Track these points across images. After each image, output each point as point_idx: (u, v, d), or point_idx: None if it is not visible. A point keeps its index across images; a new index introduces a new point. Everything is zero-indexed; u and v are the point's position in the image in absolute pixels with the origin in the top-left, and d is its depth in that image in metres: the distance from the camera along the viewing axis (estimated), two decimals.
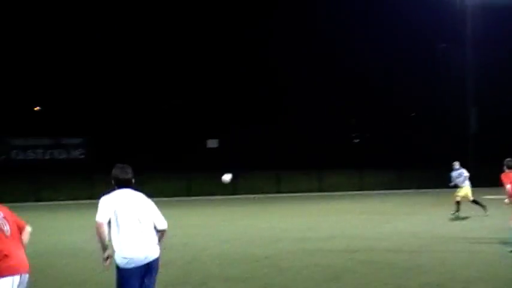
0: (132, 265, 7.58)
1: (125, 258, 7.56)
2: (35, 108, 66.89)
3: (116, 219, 7.68)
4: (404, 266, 13.52)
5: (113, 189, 7.93)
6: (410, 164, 46.97)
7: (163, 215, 8.01)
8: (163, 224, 8.00)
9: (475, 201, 24.29)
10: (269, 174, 44.95)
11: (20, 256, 7.00)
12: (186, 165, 44.81)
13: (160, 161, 52.47)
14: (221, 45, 66.01)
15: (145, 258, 7.65)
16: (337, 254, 15.53)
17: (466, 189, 24.31)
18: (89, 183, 38.38)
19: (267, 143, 59.55)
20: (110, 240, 7.64)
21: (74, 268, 14.29)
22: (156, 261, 7.82)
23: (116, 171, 7.95)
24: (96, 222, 7.62)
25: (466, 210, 23.89)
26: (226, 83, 65.68)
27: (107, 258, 7.64)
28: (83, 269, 14.03)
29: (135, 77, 64.62)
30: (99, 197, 7.80)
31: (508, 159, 15.43)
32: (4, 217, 7.04)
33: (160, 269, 13.41)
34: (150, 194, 8.43)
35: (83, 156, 57.84)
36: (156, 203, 8.11)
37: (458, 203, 24.01)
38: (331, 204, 32.60)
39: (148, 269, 7.73)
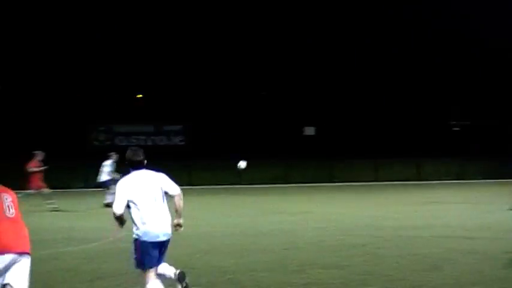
0: (151, 239, 8.60)
1: (145, 232, 8.56)
2: (137, 96, 68.48)
3: (134, 200, 8.61)
4: (507, 257, 13.12)
5: (129, 172, 8.83)
6: None
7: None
8: (175, 190, 8.92)
9: None
10: (367, 162, 44.51)
11: (16, 237, 7.43)
12: (283, 152, 44.92)
13: (257, 148, 52.78)
14: (320, 33, 65.62)
15: (162, 233, 8.69)
16: (436, 243, 15.22)
17: None
18: (187, 169, 38.99)
19: (365, 131, 58.97)
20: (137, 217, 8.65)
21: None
22: (169, 236, 8.83)
23: (128, 154, 8.80)
24: (114, 213, 8.72)
25: None
26: (324, 70, 65.31)
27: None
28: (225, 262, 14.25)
29: (234, 64, 65.11)
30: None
31: None
32: (12, 201, 7.70)
33: (258, 255, 13.60)
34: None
35: (182, 143, 58.85)
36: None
37: None
38: (429, 193, 32.00)
39: (163, 243, 8.80)
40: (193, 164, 40.58)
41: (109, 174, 27.19)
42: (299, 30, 65.23)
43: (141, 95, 68.64)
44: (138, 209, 8.62)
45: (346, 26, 64.97)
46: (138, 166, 8.81)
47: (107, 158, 27.72)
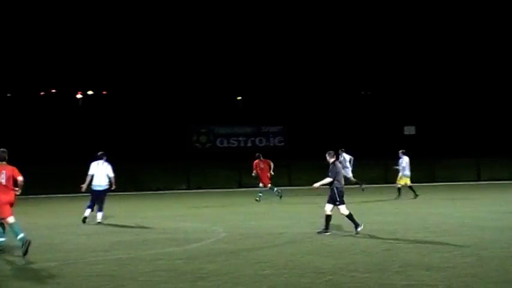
0: None
1: None
2: (237, 98, 69.11)
3: None
4: None
5: None
6: None
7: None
8: None
9: None
10: (468, 161, 43.37)
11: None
12: (383, 152, 44.30)
13: (356, 148, 52.22)
14: (423, 31, 64.45)
15: None
16: None
17: None
18: (286, 170, 38.99)
19: (466, 129, 57.50)
20: None
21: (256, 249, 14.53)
22: None
23: None
24: None
25: None
26: (425, 68, 64.12)
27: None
28: (282, 253, 14.23)
29: (333, 64, 64.82)
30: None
31: None
32: (6, 174, 13.79)
33: (358, 256, 13.39)
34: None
35: (282, 144, 58.96)
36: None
37: None
38: None
39: None
40: (292, 165, 40.61)
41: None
42: (403, 28, 64.32)
43: (240, 97, 69.24)
44: None
45: (452, 26, 63.63)
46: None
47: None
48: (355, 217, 17.08)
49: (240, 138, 59.12)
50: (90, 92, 69.69)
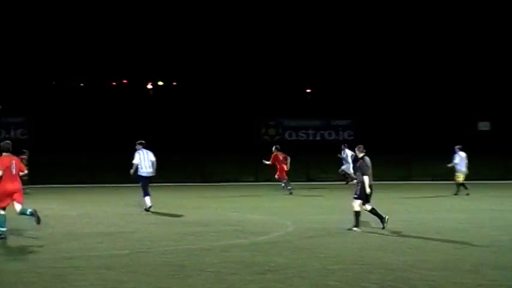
0: None
1: None
2: (306, 91, 68.96)
3: None
4: None
5: None
6: None
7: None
8: None
9: None
10: None
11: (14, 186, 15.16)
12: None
13: (429, 143, 51.48)
14: (494, 25, 63.12)
15: None
16: None
17: None
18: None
19: None
20: None
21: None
22: None
23: None
24: None
25: None
26: (499, 63, 62.74)
27: None
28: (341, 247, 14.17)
29: (405, 56, 64.05)
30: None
31: None
32: (15, 163, 15.14)
33: (430, 253, 13.17)
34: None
35: (351, 138, 58.60)
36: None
37: None
38: None
39: None
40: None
41: None
42: (480, 21, 63.11)
43: (310, 90, 69.04)
44: None
45: None
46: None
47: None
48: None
49: (309, 131, 59.00)
50: (160, 83, 70.71)
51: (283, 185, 29.97)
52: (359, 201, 16.69)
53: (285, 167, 29.85)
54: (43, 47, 64.01)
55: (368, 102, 61.88)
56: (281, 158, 29.90)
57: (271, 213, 21.42)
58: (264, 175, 37.04)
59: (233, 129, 56.51)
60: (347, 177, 33.82)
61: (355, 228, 16.56)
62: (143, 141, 21.99)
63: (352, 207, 16.79)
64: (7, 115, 55.85)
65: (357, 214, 16.66)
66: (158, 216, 20.29)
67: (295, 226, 17.77)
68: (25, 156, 26.99)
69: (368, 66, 64.42)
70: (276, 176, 30.32)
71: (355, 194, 16.76)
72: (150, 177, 21.85)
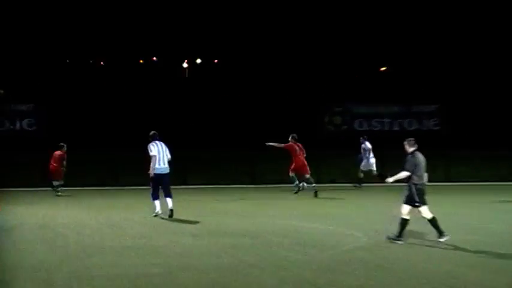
0: None
1: None
2: (381, 70, 68.56)
3: None
4: None
5: None
6: None
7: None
8: None
9: None
10: None
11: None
12: None
13: None
14: None
15: None
16: None
17: None
18: (443, 161, 38.23)
19: None
20: None
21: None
22: None
23: None
24: None
25: None
26: None
27: None
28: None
29: (499, 33, 63.48)
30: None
31: None
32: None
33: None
34: None
35: (437, 128, 58.13)
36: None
37: None
38: None
39: None
40: (450, 155, 39.79)
41: None
42: None
43: (385, 68, 68.61)
44: None
45: None
46: None
47: None
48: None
49: (385, 120, 58.71)
50: (198, 61, 70.91)
51: (297, 183, 29.75)
52: (408, 207, 16.66)
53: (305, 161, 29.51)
54: (54, 15, 64.52)
55: (458, 84, 61.33)
56: (297, 149, 29.54)
57: (338, 222, 21.29)
58: (328, 175, 36.99)
59: (289, 119, 56.38)
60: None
61: (398, 242, 16.52)
62: (156, 132, 22.14)
63: (400, 213, 16.76)
64: (11, 102, 56.49)
65: (403, 222, 16.63)
66: (196, 226, 20.35)
67: (369, 238, 17.68)
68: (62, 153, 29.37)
69: (459, 40, 63.83)
70: (290, 174, 29.78)
71: (416, 200, 16.69)
72: (166, 175, 22.02)
